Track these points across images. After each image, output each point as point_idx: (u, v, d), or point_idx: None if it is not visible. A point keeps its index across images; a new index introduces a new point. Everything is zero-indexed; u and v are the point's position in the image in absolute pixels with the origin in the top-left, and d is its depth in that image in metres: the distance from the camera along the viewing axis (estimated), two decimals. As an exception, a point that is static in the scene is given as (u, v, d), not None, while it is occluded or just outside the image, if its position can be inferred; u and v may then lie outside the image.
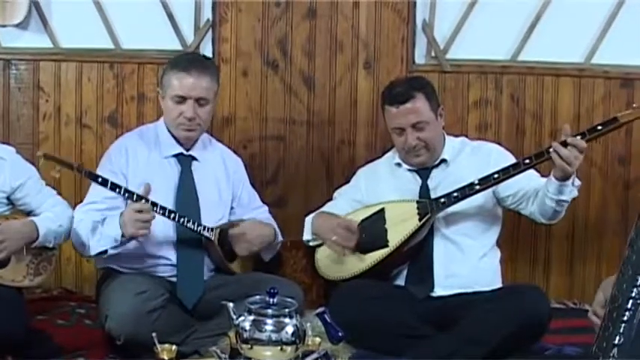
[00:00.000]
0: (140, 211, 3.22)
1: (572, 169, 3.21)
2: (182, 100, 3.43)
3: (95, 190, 3.46)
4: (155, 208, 3.28)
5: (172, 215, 3.36)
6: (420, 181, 3.61)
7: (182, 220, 3.38)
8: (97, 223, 3.35)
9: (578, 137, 3.24)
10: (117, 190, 3.29)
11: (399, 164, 3.68)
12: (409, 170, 3.65)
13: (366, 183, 3.77)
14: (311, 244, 3.76)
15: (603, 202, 4.35)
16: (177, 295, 3.40)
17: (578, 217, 4.28)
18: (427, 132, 3.52)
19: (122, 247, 3.33)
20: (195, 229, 3.42)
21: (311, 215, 3.77)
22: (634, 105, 3.47)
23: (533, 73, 4.31)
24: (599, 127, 3.33)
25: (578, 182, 3.34)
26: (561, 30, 4.26)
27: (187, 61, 3.49)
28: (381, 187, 3.69)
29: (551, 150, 3.24)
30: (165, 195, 3.46)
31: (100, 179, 3.28)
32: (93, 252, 3.35)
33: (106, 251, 3.33)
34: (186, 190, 3.52)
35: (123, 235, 3.26)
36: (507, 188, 3.50)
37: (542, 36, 4.28)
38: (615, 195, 4.36)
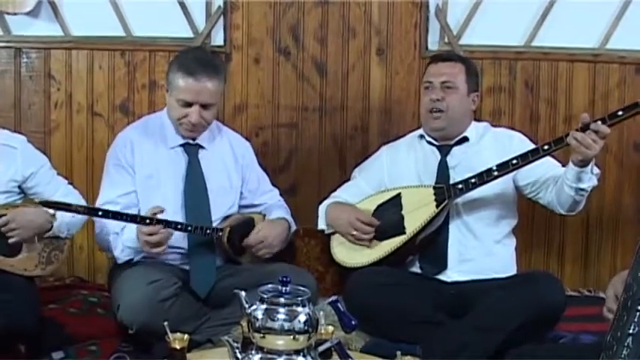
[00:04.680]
0: (151, 234, 3.22)
1: (592, 153, 3.18)
2: (188, 104, 3.39)
3: (108, 188, 3.47)
4: (162, 225, 3.25)
5: (180, 226, 3.33)
6: (439, 156, 3.60)
7: (190, 228, 3.35)
8: (117, 236, 3.36)
9: (599, 122, 3.21)
10: (120, 218, 3.25)
11: (421, 136, 3.68)
12: (430, 144, 3.64)
13: (387, 159, 3.75)
14: (326, 232, 3.74)
15: (618, 189, 4.32)
16: (190, 284, 3.40)
17: (592, 204, 4.25)
18: (452, 98, 3.54)
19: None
20: (205, 234, 3.40)
21: (325, 204, 3.75)
22: None
23: (547, 58, 4.27)
24: (620, 113, 3.27)
25: (597, 170, 3.32)
26: (576, 15, 4.22)
27: (195, 62, 3.37)
28: (401, 161, 3.69)
29: (568, 138, 3.21)
30: (173, 185, 3.47)
31: (100, 212, 3.26)
32: (119, 261, 3.39)
33: (132, 259, 3.37)
34: (195, 179, 3.50)
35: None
36: (526, 177, 3.49)
37: (557, 21, 4.24)
38: (630, 182, 4.32)
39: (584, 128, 3.19)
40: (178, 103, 3.39)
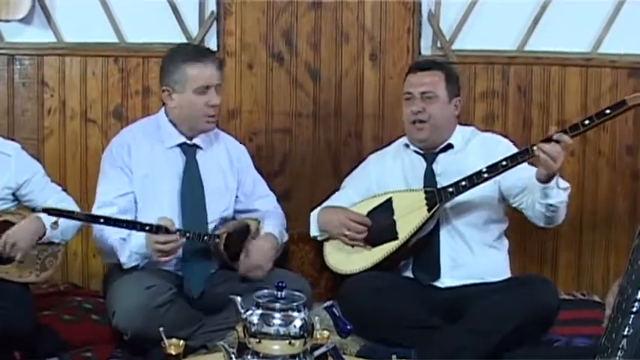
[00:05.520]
0: (165, 243, 3.21)
1: (556, 166, 3.16)
2: (206, 89, 3.41)
3: (105, 189, 3.47)
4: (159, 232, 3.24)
5: (178, 233, 3.30)
6: (425, 164, 3.61)
7: (188, 235, 3.33)
8: (123, 242, 3.34)
9: (586, 121, 3.23)
10: (122, 225, 3.23)
11: (407, 145, 3.69)
12: (416, 153, 3.65)
13: (375, 168, 3.77)
14: (319, 239, 3.74)
15: (611, 192, 4.32)
16: (183, 287, 3.39)
17: (586, 207, 4.26)
18: (434, 107, 3.54)
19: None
20: (202, 240, 3.39)
21: (316, 211, 3.76)
22: None
23: (539, 63, 4.27)
24: (608, 111, 3.29)
25: (565, 184, 3.30)
26: (568, 19, 4.22)
27: (196, 51, 3.47)
28: (388, 169, 3.70)
29: (535, 147, 3.21)
30: (170, 185, 3.47)
31: (102, 220, 3.24)
32: (126, 266, 3.36)
33: (138, 264, 3.36)
34: (192, 178, 3.50)
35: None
36: (509, 187, 3.49)
37: (549, 26, 4.25)
38: (623, 185, 4.32)
39: (549, 140, 3.20)
40: (196, 92, 3.41)
